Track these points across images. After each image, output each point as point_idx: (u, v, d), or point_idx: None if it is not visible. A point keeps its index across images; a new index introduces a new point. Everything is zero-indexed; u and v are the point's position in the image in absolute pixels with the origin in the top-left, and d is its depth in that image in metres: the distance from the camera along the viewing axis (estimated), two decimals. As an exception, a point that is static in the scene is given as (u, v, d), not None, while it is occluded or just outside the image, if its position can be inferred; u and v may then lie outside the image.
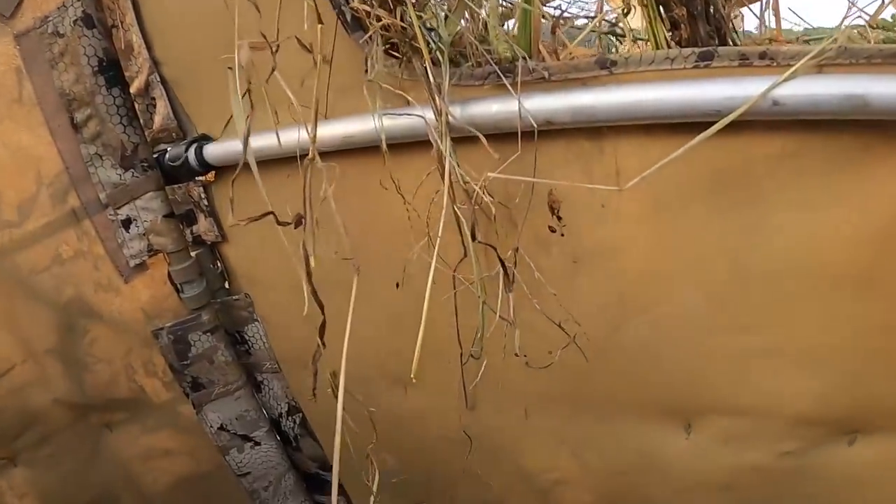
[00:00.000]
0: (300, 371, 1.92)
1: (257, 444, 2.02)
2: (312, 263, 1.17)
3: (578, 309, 1.35)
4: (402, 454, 1.84)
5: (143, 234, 1.76)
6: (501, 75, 1.20)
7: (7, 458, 1.96)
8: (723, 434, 1.36)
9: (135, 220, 1.75)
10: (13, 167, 1.72)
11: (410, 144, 1.32)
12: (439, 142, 1.23)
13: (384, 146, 1.25)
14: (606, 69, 1.12)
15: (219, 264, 1.85)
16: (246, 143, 1.17)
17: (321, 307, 1.23)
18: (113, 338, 1.85)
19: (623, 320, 1.34)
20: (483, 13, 1.30)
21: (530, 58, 1.21)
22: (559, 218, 1.31)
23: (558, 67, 1.16)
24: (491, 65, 1.23)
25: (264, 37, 1.19)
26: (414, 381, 1.12)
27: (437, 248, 1.15)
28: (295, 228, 1.22)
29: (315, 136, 1.21)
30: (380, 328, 1.68)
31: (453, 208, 1.23)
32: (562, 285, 1.34)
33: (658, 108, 1.06)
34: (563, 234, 1.32)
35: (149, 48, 1.67)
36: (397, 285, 1.60)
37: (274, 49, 1.19)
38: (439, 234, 1.15)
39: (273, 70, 1.17)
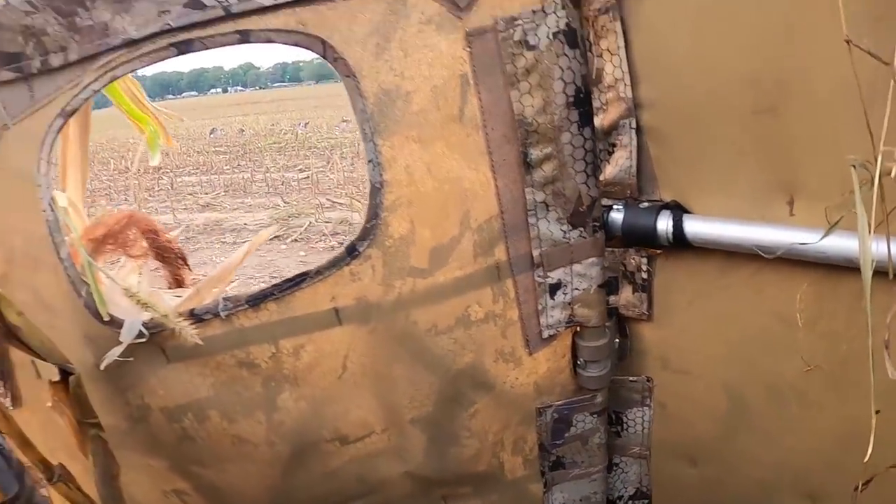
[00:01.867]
0: (669, 460, 1.64)
1: (587, 524, 1.75)
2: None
3: None
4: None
5: (569, 304, 1.42)
6: None
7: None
8: None
9: (565, 286, 1.41)
10: (436, 202, 1.34)
11: None
12: None
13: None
14: None
15: (616, 340, 1.53)
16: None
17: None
18: (496, 412, 1.53)
19: None
20: None
21: None
22: None
23: None
24: None
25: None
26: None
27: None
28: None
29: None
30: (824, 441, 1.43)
31: None
32: None
33: None
34: None
35: (633, 84, 1.30)
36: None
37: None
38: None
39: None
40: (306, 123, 20.56)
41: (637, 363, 1.54)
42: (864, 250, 0.92)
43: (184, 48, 1.25)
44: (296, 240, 8.45)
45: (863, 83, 0.91)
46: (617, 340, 1.53)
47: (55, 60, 1.29)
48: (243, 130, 22.75)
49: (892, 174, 0.91)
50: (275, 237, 8.67)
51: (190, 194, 12.14)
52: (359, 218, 8.31)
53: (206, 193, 12.28)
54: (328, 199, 9.95)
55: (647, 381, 1.55)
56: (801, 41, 1.12)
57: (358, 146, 13.30)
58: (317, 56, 1.28)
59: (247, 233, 9.22)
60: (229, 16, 1.23)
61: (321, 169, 12.36)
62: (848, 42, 0.94)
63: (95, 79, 1.30)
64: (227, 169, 14.51)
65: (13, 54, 1.30)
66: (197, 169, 15.49)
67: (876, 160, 0.92)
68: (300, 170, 12.70)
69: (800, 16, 1.11)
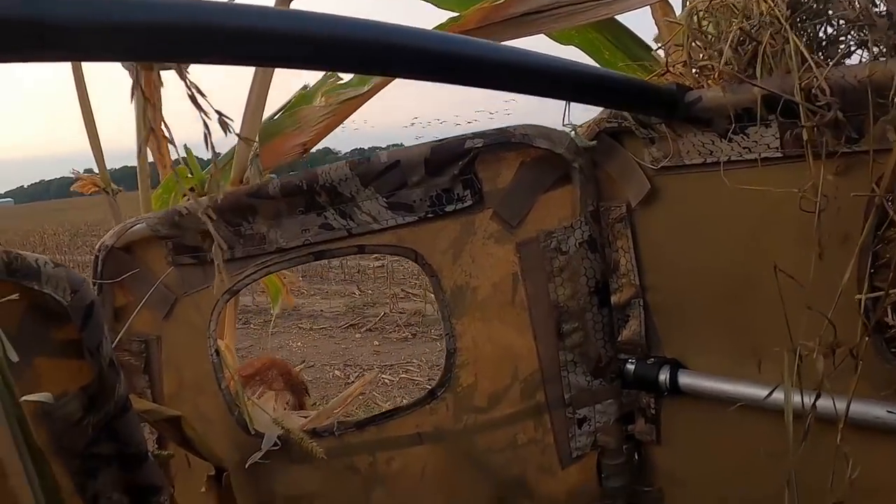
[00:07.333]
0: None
1: None
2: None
3: None
4: None
5: (593, 432, 1.91)
6: None
7: None
8: None
9: (589, 420, 1.90)
10: (493, 362, 1.87)
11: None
12: None
13: None
14: None
15: (636, 459, 2.00)
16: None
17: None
18: None
19: None
20: None
21: None
22: None
23: None
24: None
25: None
26: None
27: None
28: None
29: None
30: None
31: None
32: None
33: None
34: None
35: (639, 273, 1.81)
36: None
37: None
38: None
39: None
40: (381, 211, 21.14)
41: (651, 477, 1.98)
42: (787, 411, 1.38)
43: (318, 256, 1.83)
44: (370, 329, 8.91)
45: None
46: (635, 458, 1.99)
47: (225, 255, 1.87)
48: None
49: (815, 355, 1.38)
50: (350, 326, 9.14)
51: (272, 283, 12.74)
52: (432, 310, 8.69)
53: (284, 277, 12.91)
54: (403, 290, 10.40)
55: (659, 491, 1.99)
56: (758, 251, 1.58)
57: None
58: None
59: (323, 319, 9.64)
60: (350, 235, 1.80)
61: (396, 259, 12.85)
62: (775, 267, 1.44)
63: (254, 272, 1.87)
64: (305, 255, 15.03)
65: (193, 247, 1.88)
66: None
67: (795, 351, 1.39)
68: (376, 258, 13.20)
69: (760, 232, 1.58)
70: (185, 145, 2.23)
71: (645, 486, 2.01)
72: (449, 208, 1.79)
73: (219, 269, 1.38)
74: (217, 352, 1.93)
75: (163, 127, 2.44)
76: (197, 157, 2.31)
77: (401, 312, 9.24)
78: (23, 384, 1.07)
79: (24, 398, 1.03)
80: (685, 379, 1.79)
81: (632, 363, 1.86)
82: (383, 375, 7.10)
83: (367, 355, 7.86)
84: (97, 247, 1.93)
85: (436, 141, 1.76)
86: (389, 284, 10.74)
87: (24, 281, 1.25)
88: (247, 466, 1.94)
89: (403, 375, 7.10)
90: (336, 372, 7.43)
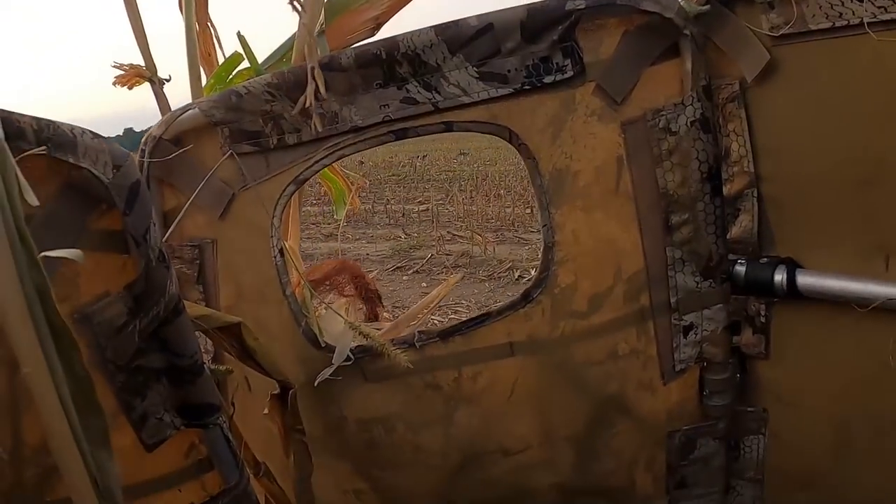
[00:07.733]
0: (781, 485, 1.86)
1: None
2: None
3: None
4: None
5: (699, 342, 1.70)
6: None
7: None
8: None
9: (696, 327, 1.69)
10: (595, 259, 1.66)
11: None
12: None
13: None
14: None
15: (738, 375, 1.79)
16: None
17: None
18: (633, 434, 1.81)
19: None
20: None
21: None
22: None
23: None
24: None
25: None
26: None
27: None
28: None
29: None
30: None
31: None
32: None
33: None
34: None
35: (754, 160, 1.58)
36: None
37: None
38: None
39: None
40: (424, 156, 20.81)
41: (754, 395, 1.78)
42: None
43: (400, 135, 1.62)
44: (417, 271, 8.74)
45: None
46: (738, 375, 1.78)
47: (290, 139, 1.66)
48: (363, 162, 23.28)
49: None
50: (396, 268, 8.99)
51: (313, 224, 12.28)
52: (479, 251, 8.54)
53: (329, 224, 12.31)
54: (448, 232, 10.21)
55: (763, 412, 1.78)
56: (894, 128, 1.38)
57: (477, 180, 13.53)
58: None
59: (370, 263, 9.41)
60: (437, 111, 1.58)
61: (440, 201, 12.57)
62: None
63: (325, 156, 1.66)
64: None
65: (253, 132, 1.68)
66: (319, 200, 16.02)
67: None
68: (420, 202, 12.94)
69: (892, 107, 1.38)
70: (238, 32, 2.01)
71: (748, 407, 1.80)
72: (548, 79, 1.57)
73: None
74: (281, 252, 1.74)
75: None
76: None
77: (447, 254, 9.03)
78: (55, 283, 0.84)
79: (44, 254, 0.81)
80: (805, 279, 1.58)
81: (742, 263, 1.65)
82: (432, 317, 6.93)
83: (416, 297, 7.65)
84: (143, 140, 1.73)
85: (533, 3, 1.53)
86: (435, 227, 10.53)
87: (57, 153, 1.01)
88: (316, 384, 1.75)
89: (453, 316, 6.92)
90: (385, 314, 7.28)
